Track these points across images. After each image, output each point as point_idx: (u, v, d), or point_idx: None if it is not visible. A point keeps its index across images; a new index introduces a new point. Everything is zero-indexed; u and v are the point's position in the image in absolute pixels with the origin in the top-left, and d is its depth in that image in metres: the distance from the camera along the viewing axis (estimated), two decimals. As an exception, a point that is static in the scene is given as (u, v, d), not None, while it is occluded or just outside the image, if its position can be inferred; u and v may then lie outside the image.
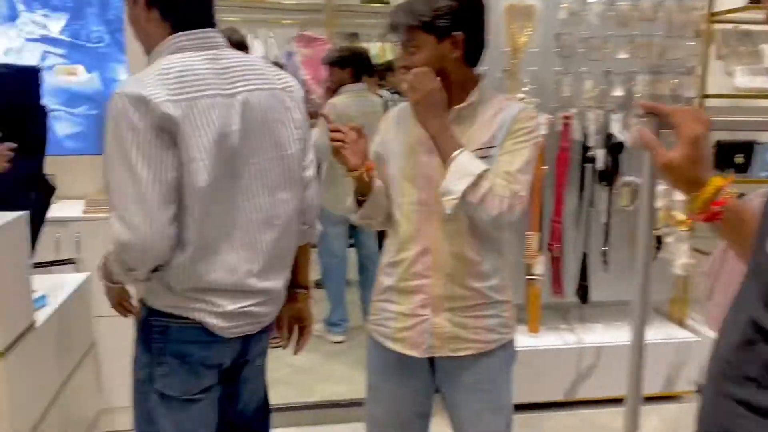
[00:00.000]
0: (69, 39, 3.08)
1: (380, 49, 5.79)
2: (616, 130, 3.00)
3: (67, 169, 3.26)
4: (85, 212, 2.95)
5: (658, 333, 3.22)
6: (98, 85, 3.16)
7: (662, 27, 3.02)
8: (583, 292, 3.23)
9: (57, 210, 3.04)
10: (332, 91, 3.75)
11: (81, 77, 3.13)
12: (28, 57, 3.07)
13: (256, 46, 5.14)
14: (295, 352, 1.83)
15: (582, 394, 3.13)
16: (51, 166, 3.22)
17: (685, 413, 2.96)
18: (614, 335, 3.20)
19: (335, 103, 3.62)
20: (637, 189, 3.01)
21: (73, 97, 3.14)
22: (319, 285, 3.92)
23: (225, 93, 1.42)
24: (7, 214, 1.36)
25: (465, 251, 1.65)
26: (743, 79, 3.61)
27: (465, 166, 1.53)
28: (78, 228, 2.91)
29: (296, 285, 1.76)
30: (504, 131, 1.61)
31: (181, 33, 1.44)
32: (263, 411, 1.79)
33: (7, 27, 3.04)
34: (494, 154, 1.60)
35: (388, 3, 5.69)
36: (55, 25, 3.06)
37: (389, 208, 1.73)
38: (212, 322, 1.49)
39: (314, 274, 3.58)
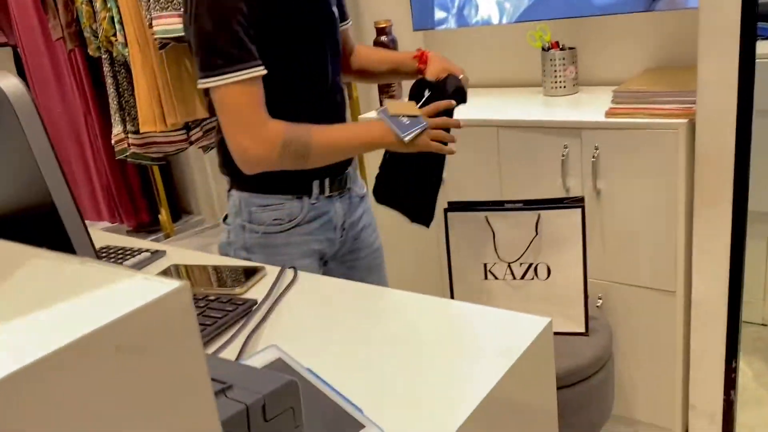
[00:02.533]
0: None
1: None
2: None
3: (597, 38, 2.12)
4: (609, 113, 1.78)
5: None
6: None
7: None
8: None
9: (571, 107, 1.97)
10: None
11: None
12: None
13: None
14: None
15: None
16: (573, 34, 2.16)
17: None
18: None
19: None
20: None
21: None
22: None
23: None
24: (163, 283, 0.33)
25: None
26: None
27: None
28: (597, 139, 1.78)
29: None
30: None
31: None
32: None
33: None
34: None
35: None
36: None
37: None
38: None
39: None
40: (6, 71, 0.51)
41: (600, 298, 1.90)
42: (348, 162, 1.44)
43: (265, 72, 1.19)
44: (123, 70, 2.79)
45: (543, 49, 2.10)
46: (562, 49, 2.07)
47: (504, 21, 2.19)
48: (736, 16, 1.51)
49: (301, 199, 1.36)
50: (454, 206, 1.65)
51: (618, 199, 1.80)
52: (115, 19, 2.60)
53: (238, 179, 1.34)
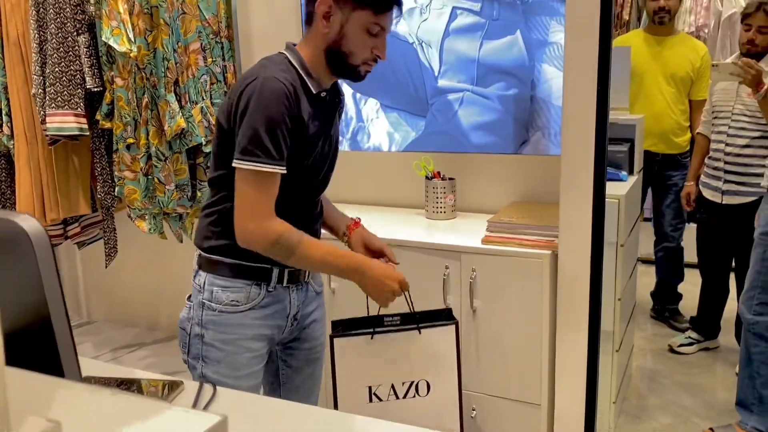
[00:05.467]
0: (487, -13, 2.17)
1: None
2: None
3: (473, 172, 2.40)
4: (485, 240, 2.02)
5: None
6: (521, 52, 2.17)
7: None
8: None
9: (450, 232, 2.20)
10: None
11: (497, 42, 2.20)
12: (434, 19, 2.26)
13: None
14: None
15: None
16: (453, 166, 2.43)
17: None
18: None
19: None
20: None
21: (485, 72, 2.23)
22: None
23: None
24: (205, 417, 0.41)
25: None
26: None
27: None
28: (474, 263, 2.00)
29: None
30: None
31: None
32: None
33: (412, -21, 2.28)
34: None
35: None
36: (471, -32, 2.17)
37: None
38: None
39: None
40: (27, 214, 0.57)
41: (474, 410, 2.05)
42: None
43: (284, 172, 1.38)
44: (3, 161, 2.69)
45: (426, 177, 2.34)
46: (443, 179, 2.33)
47: (393, 149, 2.43)
48: (590, 163, 1.82)
49: (260, 286, 1.48)
50: (338, 328, 1.65)
51: (492, 317, 2.00)
52: (3, 112, 2.54)
53: (207, 261, 1.48)
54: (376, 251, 1.62)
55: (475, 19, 2.20)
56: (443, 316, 1.68)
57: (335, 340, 1.61)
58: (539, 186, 2.30)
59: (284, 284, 1.52)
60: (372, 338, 1.64)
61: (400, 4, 1.43)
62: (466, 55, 2.24)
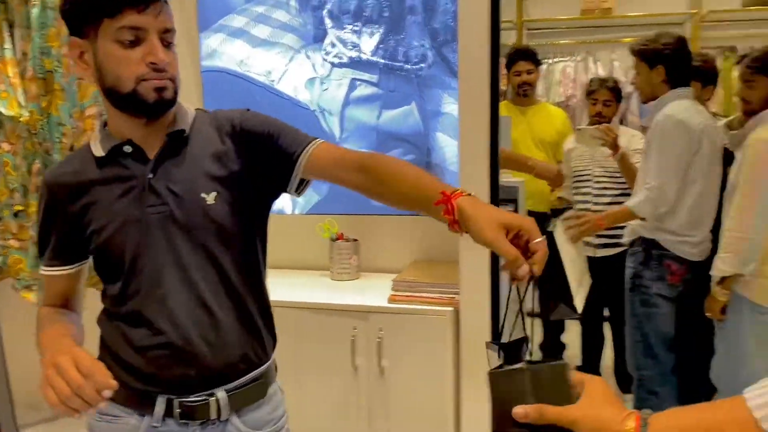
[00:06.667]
0: (383, 60, 2.30)
1: None
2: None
3: (375, 233, 2.48)
4: (391, 299, 2.08)
5: None
6: (417, 121, 2.32)
7: None
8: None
9: (356, 292, 2.25)
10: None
11: (395, 112, 2.33)
12: (335, 88, 2.36)
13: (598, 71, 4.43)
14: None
15: None
16: (356, 228, 2.51)
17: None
18: None
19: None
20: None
21: (384, 139, 2.34)
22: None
23: None
24: None
25: None
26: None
27: None
28: (381, 322, 2.06)
29: None
30: None
31: None
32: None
33: (312, 50, 2.38)
34: None
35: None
36: (368, 43, 2.30)
37: None
38: None
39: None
40: None
41: (384, 468, 2.06)
42: (211, 382, 1.15)
43: (48, 272, 1.21)
44: None
45: (331, 239, 2.39)
46: (347, 240, 2.39)
47: (296, 212, 2.47)
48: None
49: (142, 417, 1.14)
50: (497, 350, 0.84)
51: (399, 376, 2.05)
52: None
53: None
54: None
55: (374, 90, 2.33)
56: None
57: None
58: (438, 245, 2.41)
59: (179, 420, 1.13)
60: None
61: None
62: (365, 123, 2.36)
